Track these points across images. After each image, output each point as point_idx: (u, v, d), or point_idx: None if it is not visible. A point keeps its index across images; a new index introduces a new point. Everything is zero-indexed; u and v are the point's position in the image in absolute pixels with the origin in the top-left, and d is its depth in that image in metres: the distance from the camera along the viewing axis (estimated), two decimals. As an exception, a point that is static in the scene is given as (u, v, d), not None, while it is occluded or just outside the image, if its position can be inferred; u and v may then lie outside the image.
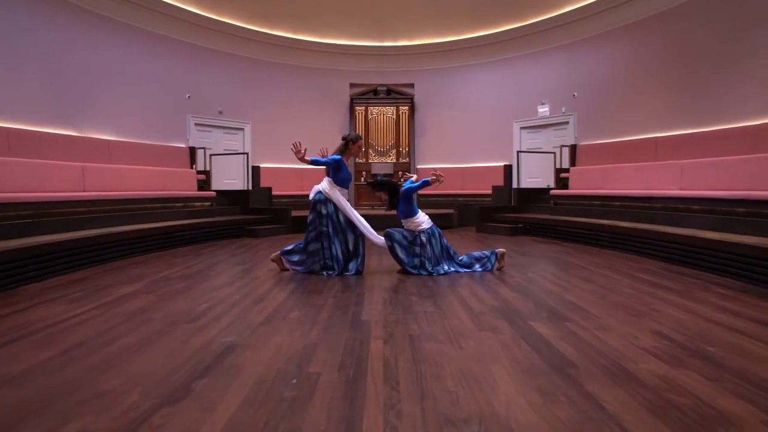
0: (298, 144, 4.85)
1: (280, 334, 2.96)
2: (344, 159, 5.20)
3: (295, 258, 5.21)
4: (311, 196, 5.19)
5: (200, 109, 11.08)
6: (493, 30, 12.16)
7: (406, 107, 12.94)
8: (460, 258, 5.23)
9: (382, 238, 5.14)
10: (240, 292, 4.17)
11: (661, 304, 3.67)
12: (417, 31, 12.74)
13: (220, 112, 11.50)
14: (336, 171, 5.11)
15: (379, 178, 5.24)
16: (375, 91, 12.93)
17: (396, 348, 2.67)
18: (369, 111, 12.96)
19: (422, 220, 5.13)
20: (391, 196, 5.18)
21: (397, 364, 2.42)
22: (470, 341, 2.78)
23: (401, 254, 5.07)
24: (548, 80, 11.45)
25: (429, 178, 5.03)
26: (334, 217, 5.08)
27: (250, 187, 10.82)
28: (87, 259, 5.57)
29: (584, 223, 7.68)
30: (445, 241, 5.22)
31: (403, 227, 5.21)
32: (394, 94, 12.92)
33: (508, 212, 10.09)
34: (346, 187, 5.22)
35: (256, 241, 8.39)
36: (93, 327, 3.13)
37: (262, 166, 12.14)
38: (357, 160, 12.87)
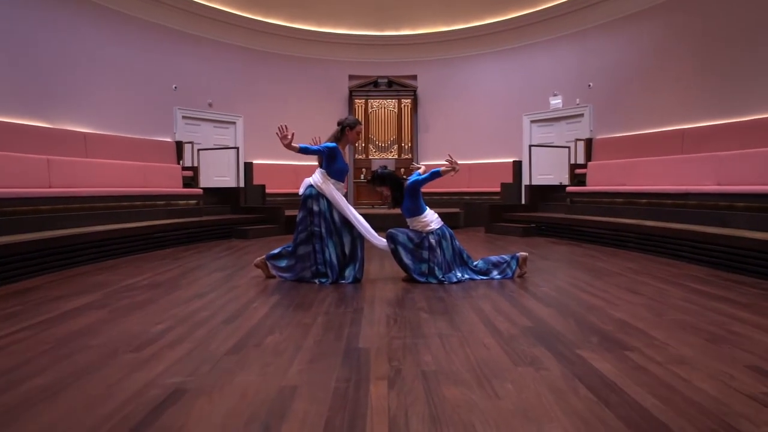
0: (284, 128, 4.09)
1: (249, 370, 2.21)
2: (340, 147, 4.45)
3: (283, 263, 4.46)
4: (301, 190, 4.45)
5: (188, 101, 10.33)
6: (501, 17, 11.40)
7: (409, 100, 12.21)
8: (475, 263, 4.48)
9: (384, 240, 4.39)
10: (211, 307, 3.42)
11: (737, 324, 2.91)
12: (420, 19, 11.99)
13: (210, 105, 10.75)
14: (330, 161, 4.37)
15: (379, 170, 4.49)
16: (375, 83, 12.19)
17: (405, 395, 1.92)
18: (369, 104, 12.22)
19: (431, 219, 4.38)
20: (394, 191, 4.43)
21: (408, 425, 1.67)
22: (507, 383, 2.03)
23: (406, 259, 4.32)
24: (561, 70, 10.69)
25: (440, 168, 4.28)
26: (328, 215, 4.33)
27: (242, 185, 10.08)
28: (45, 265, 4.82)
29: (607, 222, 6.93)
30: (457, 243, 4.47)
31: (408, 227, 4.46)
32: (395, 87, 12.18)
33: (520, 211, 9.33)
34: (342, 181, 4.48)
35: (246, 243, 7.65)
36: (6, 358, 2.38)
37: (255, 162, 11.38)
38: (356, 156, 12.13)
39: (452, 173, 4.30)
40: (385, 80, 12.17)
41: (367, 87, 12.18)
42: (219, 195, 9.62)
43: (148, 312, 3.29)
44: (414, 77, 12.24)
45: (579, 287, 4.04)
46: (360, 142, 12.12)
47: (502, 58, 11.72)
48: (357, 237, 4.40)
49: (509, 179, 11.31)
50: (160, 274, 4.78)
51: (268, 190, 10.72)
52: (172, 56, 10.02)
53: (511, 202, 10.69)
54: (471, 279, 4.37)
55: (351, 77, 12.20)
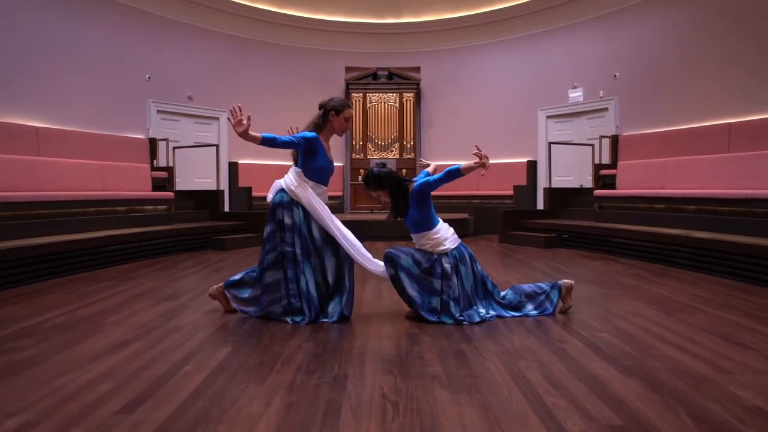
0: (236, 110, 2.95)
1: None
2: (322, 139, 3.33)
3: (245, 294, 3.33)
4: (269, 196, 3.33)
5: (164, 93, 9.19)
6: (513, 2, 10.25)
7: (411, 94, 11.07)
8: (502, 294, 3.35)
9: (381, 263, 3.27)
10: (120, 372, 2.28)
11: None
12: (423, 5, 10.85)
13: (190, 98, 9.62)
14: (308, 157, 3.25)
15: (375, 169, 3.35)
16: (375, 75, 11.05)
17: None
18: (368, 98, 11.08)
19: (445, 235, 3.25)
20: (395, 197, 3.30)
21: None
22: None
23: (411, 290, 3.18)
24: (581, 59, 9.54)
25: (460, 165, 3.16)
26: (305, 229, 3.20)
27: (222, 187, 8.96)
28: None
29: (647, 233, 5.80)
30: (479, 268, 3.33)
31: (414, 246, 3.34)
32: (397, 79, 11.04)
33: (539, 217, 8.19)
34: (325, 184, 3.36)
35: (222, 255, 6.53)
36: None
37: (240, 162, 10.26)
38: (353, 155, 11.00)
39: (482, 171, 3.17)
40: (386, 72, 11.04)
41: (366, 80, 11.04)
42: (196, 199, 8.50)
43: (18, 384, 2.16)
44: (417, 69, 11.10)
45: (652, 332, 2.90)
46: (358, 140, 11.00)
47: (514, 47, 10.57)
48: (344, 259, 3.27)
49: (523, 181, 10.17)
50: (87, 306, 3.64)
51: (255, 193, 9.59)
52: (145, 42, 8.88)
53: (525, 207, 9.56)
54: (498, 316, 3.24)
55: (348, 69, 11.06)
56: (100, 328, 3.06)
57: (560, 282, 3.34)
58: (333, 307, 3.22)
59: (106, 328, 3.05)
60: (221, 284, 3.43)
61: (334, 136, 3.44)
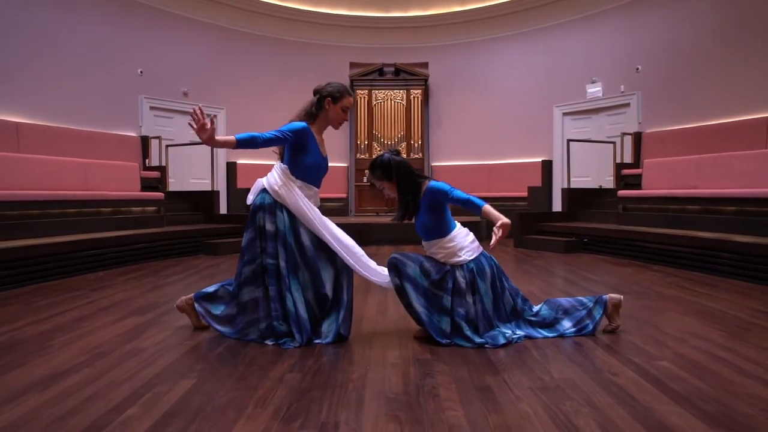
0: (198, 112, 2.41)
1: None
2: (314, 131, 2.77)
3: (218, 310, 2.78)
4: (250, 198, 2.78)
5: (157, 88, 8.69)
6: (527, -7, 9.72)
7: (419, 91, 10.52)
8: (535, 309, 2.78)
9: (385, 271, 2.71)
10: (39, 420, 1.73)
11: None
12: (432, -3, 10.33)
13: (185, 95, 9.11)
14: (297, 151, 2.70)
15: (386, 155, 2.82)
16: (380, 71, 10.51)
17: None
18: (373, 95, 10.54)
19: (461, 244, 2.68)
20: (403, 192, 2.74)
21: None
22: None
23: (418, 305, 2.62)
24: (600, 52, 8.96)
25: (484, 204, 2.59)
26: (290, 238, 2.65)
27: (218, 188, 8.44)
28: None
29: (681, 237, 5.23)
30: (509, 283, 2.76)
31: (425, 252, 2.78)
32: (404, 75, 10.50)
33: (557, 220, 7.60)
34: (317, 184, 2.81)
35: (214, 261, 6.00)
36: None
37: (239, 162, 9.74)
38: (357, 155, 10.46)
39: (495, 239, 2.57)
40: (392, 68, 10.49)
41: (371, 76, 10.50)
42: (190, 200, 7.98)
43: None
44: (425, 65, 10.55)
45: (723, 360, 2.32)
46: (363, 139, 10.46)
47: (527, 40, 10.00)
48: (342, 269, 2.71)
49: (537, 182, 9.59)
50: (40, 322, 3.10)
51: (253, 195, 9.06)
52: (137, 34, 8.38)
53: (540, 209, 8.98)
54: (527, 337, 2.67)
55: (352, 65, 10.52)
56: (44, 350, 2.52)
57: (605, 297, 2.75)
58: (328, 326, 2.65)
59: (51, 352, 2.51)
60: (191, 296, 2.88)
61: (330, 129, 2.89)
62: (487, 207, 2.59)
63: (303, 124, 2.71)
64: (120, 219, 6.33)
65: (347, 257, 2.65)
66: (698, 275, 4.75)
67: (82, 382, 2.09)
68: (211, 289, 2.83)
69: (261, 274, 2.63)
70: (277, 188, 2.65)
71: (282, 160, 2.78)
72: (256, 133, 2.55)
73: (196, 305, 2.83)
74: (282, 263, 2.59)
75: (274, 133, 2.60)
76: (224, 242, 6.68)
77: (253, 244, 2.65)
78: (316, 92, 2.83)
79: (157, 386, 2.04)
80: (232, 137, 2.48)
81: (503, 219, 2.54)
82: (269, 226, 2.62)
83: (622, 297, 2.76)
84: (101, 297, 3.88)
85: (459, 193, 2.61)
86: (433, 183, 2.70)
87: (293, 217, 2.65)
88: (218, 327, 2.76)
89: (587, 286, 4.27)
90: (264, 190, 2.70)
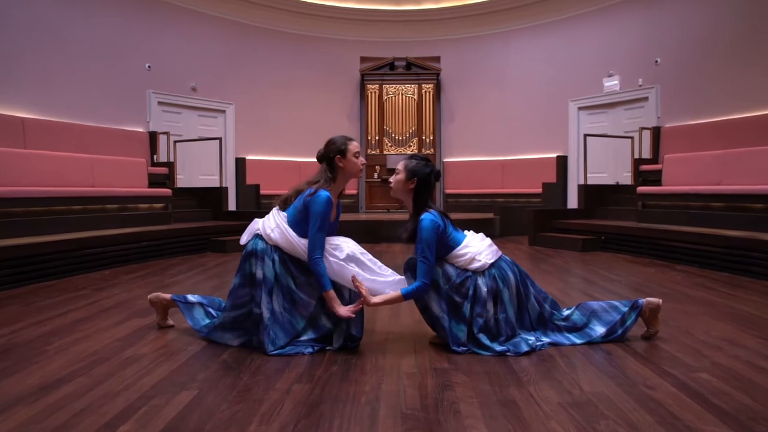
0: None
1: None
2: (334, 193, 2.58)
3: (204, 320, 2.69)
4: (244, 238, 2.61)
5: (165, 83, 8.57)
6: (541, -16, 9.48)
7: (431, 85, 10.33)
8: (565, 313, 2.60)
9: (399, 279, 2.55)
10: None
11: None
12: (444, -11, 10.12)
13: (194, 89, 8.99)
14: (305, 223, 2.50)
15: (434, 165, 2.61)
16: (392, 66, 10.33)
17: None
18: (384, 90, 10.37)
19: (476, 250, 2.48)
20: (417, 196, 2.54)
21: None
22: None
23: (437, 308, 2.45)
24: (617, 44, 8.71)
25: (402, 294, 2.43)
26: (284, 279, 2.49)
27: (227, 184, 8.31)
28: None
29: (705, 235, 5.02)
30: (534, 289, 2.58)
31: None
32: (415, 69, 10.31)
33: (573, 217, 7.39)
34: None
35: (222, 259, 5.88)
36: None
37: (248, 158, 9.61)
38: (369, 150, 10.25)
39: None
40: (403, 62, 10.31)
41: (382, 70, 10.32)
42: (199, 197, 7.85)
43: None
44: (437, 59, 10.35)
45: (761, 368, 2.13)
46: (374, 135, 10.29)
47: (542, 33, 9.76)
48: (354, 296, 2.54)
49: (552, 178, 9.37)
50: (38, 324, 2.98)
51: (263, 191, 8.92)
52: (145, 28, 8.26)
53: (555, 206, 8.78)
54: (553, 344, 2.49)
55: (363, 59, 10.35)
56: (38, 357, 2.39)
57: (641, 301, 2.56)
58: (338, 336, 2.49)
59: (45, 358, 2.37)
60: (170, 296, 2.78)
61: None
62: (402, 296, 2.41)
63: (325, 196, 2.46)
64: (127, 216, 6.21)
65: (371, 282, 2.49)
66: (725, 275, 4.54)
67: (75, 392, 1.95)
68: (193, 299, 2.75)
69: (243, 322, 2.52)
70: (269, 231, 2.50)
71: (282, 209, 2.59)
72: (323, 271, 2.42)
73: (173, 297, 2.75)
74: (276, 308, 2.45)
75: (313, 235, 2.43)
76: (232, 240, 6.54)
77: (240, 290, 2.51)
78: (320, 159, 2.61)
79: (155, 398, 1.90)
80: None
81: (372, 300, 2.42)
82: (259, 273, 2.46)
83: (660, 301, 2.56)
84: (104, 297, 3.75)
85: (419, 255, 2.41)
86: (425, 219, 2.45)
87: (284, 255, 2.49)
88: (189, 319, 2.68)
89: (608, 286, 4.08)
90: (257, 235, 2.54)
